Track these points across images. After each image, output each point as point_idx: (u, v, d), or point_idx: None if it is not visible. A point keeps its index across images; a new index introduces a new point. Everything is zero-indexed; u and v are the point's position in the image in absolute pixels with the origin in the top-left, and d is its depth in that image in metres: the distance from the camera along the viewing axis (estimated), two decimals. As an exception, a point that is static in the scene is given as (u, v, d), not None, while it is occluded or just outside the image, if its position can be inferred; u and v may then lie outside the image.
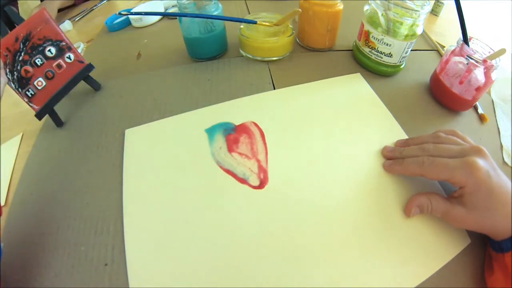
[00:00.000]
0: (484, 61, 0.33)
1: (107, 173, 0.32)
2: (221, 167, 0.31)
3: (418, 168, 0.27)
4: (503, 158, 0.33)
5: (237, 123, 0.35)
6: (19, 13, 0.35)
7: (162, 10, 0.60)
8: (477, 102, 0.38)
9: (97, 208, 0.29)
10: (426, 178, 0.27)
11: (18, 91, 0.34)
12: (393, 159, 0.31)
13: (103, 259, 0.26)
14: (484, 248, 0.26)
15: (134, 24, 0.57)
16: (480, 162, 0.24)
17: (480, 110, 0.38)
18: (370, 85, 0.40)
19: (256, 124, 0.35)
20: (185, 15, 0.38)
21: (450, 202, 0.25)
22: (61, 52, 0.36)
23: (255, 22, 0.40)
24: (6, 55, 0.32)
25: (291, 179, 0.30)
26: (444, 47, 0.49)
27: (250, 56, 0.44)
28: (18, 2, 0.65)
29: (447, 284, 0.24)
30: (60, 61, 0.36)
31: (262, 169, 0.31)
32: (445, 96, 0.38)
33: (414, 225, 0.27)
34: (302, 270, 0.25)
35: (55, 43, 0.35)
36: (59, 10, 0.70)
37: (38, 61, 0.34)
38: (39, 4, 0.62)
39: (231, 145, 0.33)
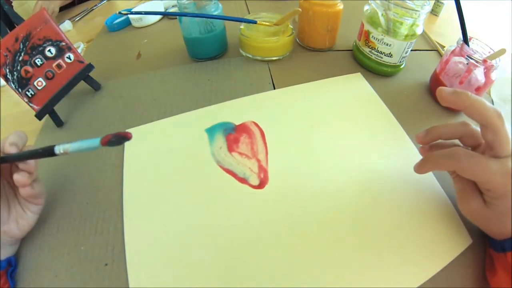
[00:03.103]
0: (484, 61, 0.33)
1: (107, 173, 0.32)
2: (221, 166, 0.31)
3: (453, 163, 0.23)
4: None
5: (237, 123, 0.35)
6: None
7: (162, 10, 0.60)
8: (477, 102, 0.38)
9: (97, 208, 0.29)
10: (459, 173, 0.24)
11: (18, 91, 0.34)
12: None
13: (103, 259, 0.26)
14: (485, 249, 0.26)
15: (134, 24, 0.57)
16: None
17: (480, 110, 0.38)
18: (370, 85, 0.40)
19: (256, 124, 0.35)
20: (185, 15, 0.38)
21: (474, 185, 0.24)
22: (61, 52, 0.36)
23: (255, 22, 0.40)
24: (6, 55, 0.32)
25: (291, 179, 0.30)
26: (444, 47, 0.49)
27: (250, 56, 0.44)
28: (17, 1, 0.65)
29: (449, 284, 0.24)
30: (60, 61, 0.36)
31: (262, 169, 0.31)
32: (445, 96, 0.37)
33: (416, 226, 0.27)
34: (303, 270, 0.25)
35: (55, 43, 0.35)
36: (60, 10, 0.70)
37: (38, 61, 0.34)
38: (37, 3, 0.61)
39: (231, 145, 0.33)
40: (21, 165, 0.25)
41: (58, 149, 0.21)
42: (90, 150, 0.20)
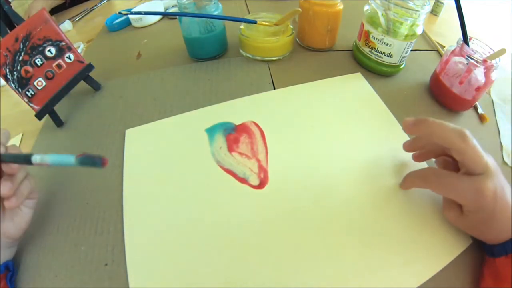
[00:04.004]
0: (484, 61, 0.33)
1: (107, 173, 0.32)
2: (221, 166, 0.31)
3: (424, 184, 0.26)
4: (503, 158, 0.33)
5: (237, 123, 0.35)
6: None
7: (162, 10, 0.60)
8: (477, 102, 0.38)
9: (97, 208, 0.29)
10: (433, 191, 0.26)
11: (18, 91, 0.34)
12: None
13: (103, 259, 0.26)
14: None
15: (134, 24, 0.57)
16: (490, 185, 0.21)
17: (480, 110, 0.38)
18: (370, 85, 0.40)
19: (256, 124, 0.35)
20: (185, 15, 0.38)
21: (451, 200, 0.25)
22: (61, 52, 0.36)
23: (255, 22, 0.40)
24: (6, 55, 0.32)
25: (291, 179, 0.30)
26: (444, 47, 0.49)
27: (250, 56, 0.44)
28: (17, 1, 0.65)
29: (449, 284, 0.24)
30: (60, 61, 0.36)
31: (262, 169, 0.31)
32: (445, 96, 0.38)
33: (416, 226, 0.27)
34: (303, 270, 0.25)
35: (55, 43, 0.35)
36: (53, 12, 0.70)
37: (38, 61, 0.34)
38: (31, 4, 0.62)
39: (231, 145, 0.33)
40: (3, 166, 0.23)
41: (35, 159, 0.21)
42: (65, 165, 0.20)
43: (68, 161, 0.19)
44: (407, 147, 0.29)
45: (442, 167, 0.27)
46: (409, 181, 0.28)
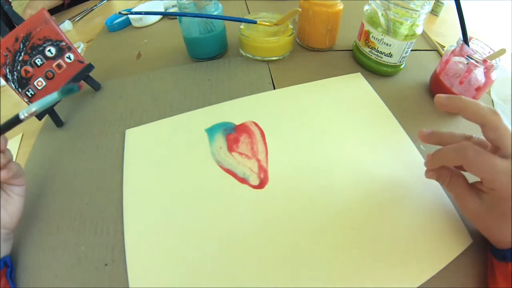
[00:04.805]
0: (484, 61, 0.33)
1: (107, 173, 0.32)
2: (221, 166, 0.31)
3: (460, 157, 0.23)
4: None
5: (237, 123, 0.35)
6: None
7: (162, 10, 0.60)
8: (477, 102, 0.38)
9: (97, 208, 0.29)
10: (466, 169, 0.23)
11: (18, 91, 0.34)
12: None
13: (103, 259, 0.26)
14: (485, 248, 0.26)
15: (134, 24, 0.57)
16: None
17: (480, 110, 0.38)
18: (370, 85, 0.40)
19: (256, 124, 0.35)
20: (185, 15, 0.38)
21: (470, 188, 0.24)
22: (61, 52, 0.36)
23: (255, 22, 0.40)
24: (6, 55, 0.32)
25: (291, 179, 0.30)
26: (444, 47, 0.49)
27: (250, 56, 0.44)
28: (17, 1, 0.65)
29: (449, 284, 0.24)
30: (60, 61, 0.36)
31: (262, 169, 0.31)
32: (445, 96, 0.37)
33: (416, 226, 0.27)
34: (303, 270, 0.25)
35: (55, 43, 0.35)
36: (51, 12, 0.70)
37: (38, 61, 0.34)
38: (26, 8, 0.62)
39: (231, 145, 0.33)
40: None
41: (22, 113, 0.23)
42: (51, 103, 0.22)
43: (51, 99, 0.22)
44: (426, 136, 0.27)
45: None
46: (440, 156, 0.25)
